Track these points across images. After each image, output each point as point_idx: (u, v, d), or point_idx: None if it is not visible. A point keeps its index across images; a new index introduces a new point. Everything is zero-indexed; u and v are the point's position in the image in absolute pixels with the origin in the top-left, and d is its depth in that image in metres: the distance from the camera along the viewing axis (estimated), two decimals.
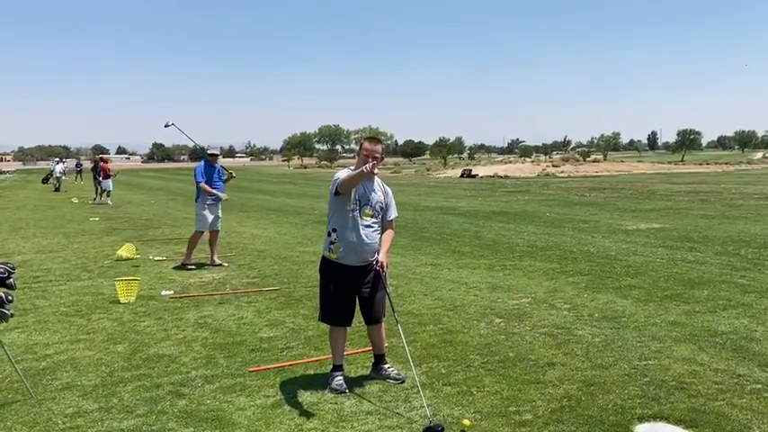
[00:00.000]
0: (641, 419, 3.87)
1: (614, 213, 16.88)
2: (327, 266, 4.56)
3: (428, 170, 61.43)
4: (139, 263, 9.84)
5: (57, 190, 33.08)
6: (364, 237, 4.42)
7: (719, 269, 8.56)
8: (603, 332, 5.70)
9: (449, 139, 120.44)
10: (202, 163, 9.55)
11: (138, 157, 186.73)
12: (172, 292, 7.68)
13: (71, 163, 57.26)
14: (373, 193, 4.52)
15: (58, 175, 34.69)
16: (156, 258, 10.17)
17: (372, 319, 4.60)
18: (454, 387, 4.45)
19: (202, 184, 9.34)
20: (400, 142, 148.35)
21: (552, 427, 3.77)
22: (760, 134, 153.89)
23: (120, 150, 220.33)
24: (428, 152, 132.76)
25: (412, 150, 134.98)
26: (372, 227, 4.51)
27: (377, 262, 4.45)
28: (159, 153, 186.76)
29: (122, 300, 7.09)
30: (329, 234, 4.50)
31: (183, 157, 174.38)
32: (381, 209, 4.56)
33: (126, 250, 10.37)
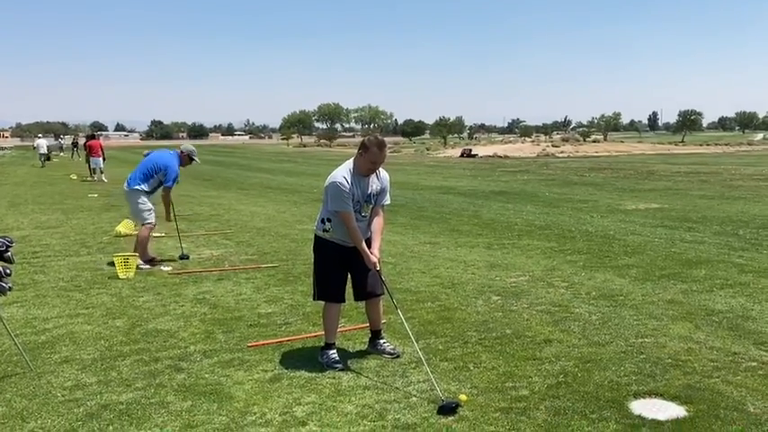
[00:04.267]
0: (637, 396, 3.89)
1: (613, 193, 16.87)
2: (321, 243, 4.54)
3: (428, 150, 61.28)
4: None
5: (42, 166, 33.16)
6: (360, 227, 4.41)
7: (717, 249, 8.58)
8: (600, 310, 5.72)
9: (449, 119, 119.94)
10: (177, 162, 7.94)
11: (137, 135, 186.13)
12: (170, 267, 7.69)
13: (68, 140, 57.02)
14: (372, 188, 4.45)
15: (43, 151, 34.71)
16: (154, 235, 10.15)
17: (367, 294, 4.58)
18: (451, 363, 4.47)
19: (170, 188, 7.92)
20: (400, 121, 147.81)
21: (548, 403, 3.79)
22: (761, 115, 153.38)
23: (119, 127, 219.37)
24: (428, 132, 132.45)
25: (412, 130, 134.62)
26: (367, 217, 4.51)
27: (372, 263, 4.37)
28: (158, 130, 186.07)
29: (121, 275, 7.11)
30: (323, 221, 4.45)
31: (182, 135, 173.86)
32: (377, 196, 4.52)
33: (124, 226, 10.37)
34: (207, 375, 4.29)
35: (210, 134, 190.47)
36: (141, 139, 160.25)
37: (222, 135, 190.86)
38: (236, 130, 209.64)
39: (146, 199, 7.78)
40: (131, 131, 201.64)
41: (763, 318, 5.43)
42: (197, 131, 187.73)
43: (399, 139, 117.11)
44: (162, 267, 7.69)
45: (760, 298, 6.07)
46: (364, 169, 4.38)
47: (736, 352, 4.62)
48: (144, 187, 7.74)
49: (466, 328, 5.23)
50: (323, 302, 4.59)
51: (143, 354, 4.72)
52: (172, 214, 8.27)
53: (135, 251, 7.67)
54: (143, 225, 7.85)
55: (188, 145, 8.27)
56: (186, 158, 8.07)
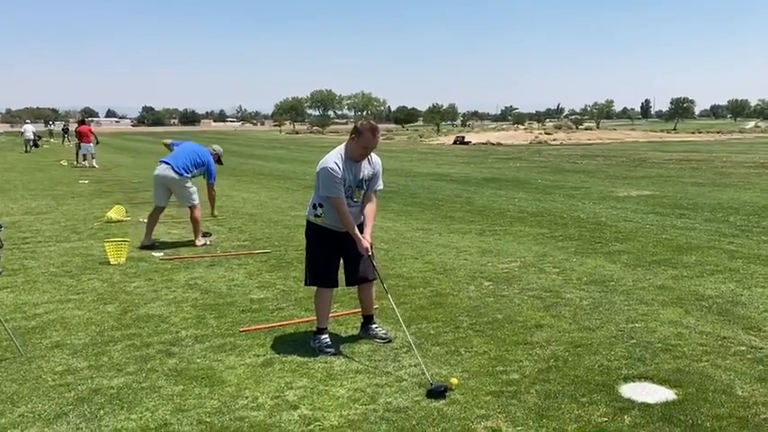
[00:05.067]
0: (627, 379, 3.92)
1: (605, 180, 16.91)
2: (313, 229, 4.52)
3: (421, 137, 61.17)
4: (129, 225, 9.81)
5: (27, 151, 32.98)
6: (352, 212, 4.40)
7: (708, 235, 8.62)
8: (591, 295, 5.75)
9: (442, 106, 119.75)
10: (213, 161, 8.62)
11: (128, 121, 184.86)
12: (162, 253, 7.67)
13: (58, 126, 56.66)
14: (364, 173, 4.41)
15: (29, 136, 34.46)
16: (145, 220, 10.10)
17: (359, 279, 4.58)
18: (443, 347, 4.49)
19: (213, 184, 8.85)
20: (393, 108, 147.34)
21: (539, 387, 3.81)
22: (753, 103, 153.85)
23: (110, 113, 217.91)
24: (421, 119, 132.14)
25: (405, 117, 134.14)
26: (359, 202, 4.48)
27: (364, 248, 4.36)
28: (149, 117, 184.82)
29: (112, 261, 7.08)
30: (315, 207, 4.43)
31: (173, 121, 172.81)
32: (369, 181, 4.48)
33: (116, 212, 10.32)
34: (198, 360, 4.29)
35: (202, 120, 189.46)
36: (132, 126, 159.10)
37: (214, 121, 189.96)
38: (228, 117, 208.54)
39: (191, 183, 8.32)
40: (122, 118, 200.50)
41: (753, 303, 5.47)
42: (189, 118, 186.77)
43: (392, 126, 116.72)
44: (153, 253, 7.67)
45: (749, 283, 6.11)
46: (356, 154, 4.35)
47: (725, 336, 4.65)
48: (189, 176, 8.28)
49: (458, 313, 5.25)
50: (315, 288, 4.59)
51: (134, 339, 4.71)
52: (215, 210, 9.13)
53: (196, 234, 8.31)
54: (195, 206, 8.27)
55: (218, 146, 8.94)
56: (217, 158, 8.72)
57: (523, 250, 7.77)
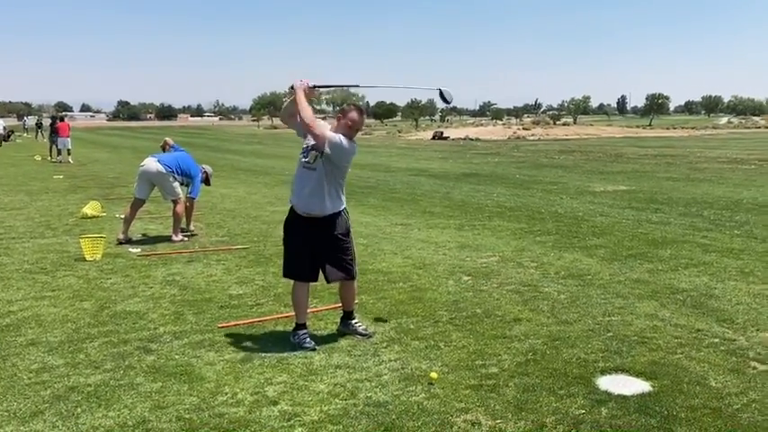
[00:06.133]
0: (603, 372, 3.97)
1: (582, 175, 17.09)
2: (288, 220, 4.60)
3: (399, 132, 61.20)
4: (105, 221, 9.69)
5: None
6: (302, 177, 4.45)
7: (683, 230, 8.76)
8: (569, 289, 5.81)
9: (420, 102, 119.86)
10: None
11: (104, 115, 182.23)
12: (139, 249, 7.59)
13: (31, 120, 55.71)
14: (327, 150, 4.36)
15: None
16: (122, 216, 9.99)
17: (335, 277, 4.57)
18: (422, 341, 4.51)
19: (195, 199, 8.67)
20: (372, 104, 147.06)
21: (517, 380, 3.85)
22: (726, 99, 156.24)
23: (85, 108, 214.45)
24: (400, 114, 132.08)
25: (383, 112, 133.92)
26: (311, 166, 4.43)
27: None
28: (125, 111, 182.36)
29: (88, 257, 6.99)
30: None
31: (149, 116, 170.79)
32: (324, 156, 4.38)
33: (91, 208, 10.18)
34: (177, 356, 4.26)
35: (180, 115, 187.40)
36: (108, 120, 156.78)
37: (191, 116, 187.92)
38: (205, 112, 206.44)
39: (174, 179, 8.26)
40: (97, 112, 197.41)
41: (726, 296, 5.58)
42: (165, 112, 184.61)
43: (371, 121, 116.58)
44: (130, 249, 7.58)
45: (722, 277, 6.23)
46: (347, 134, 4.43)
47: (699, 329, 4.74)
48: (176, 177, 8.26)
49: (437, 308, 5.27)
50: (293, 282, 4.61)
51: (111, 336, 4.66)
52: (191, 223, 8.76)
53: (176, 227, 8.23)
54: (178, 200, 8.22)
55: (209, 168, 8.98)
56: (205, 177, 8.78)
57: (502, 245, 7.83)
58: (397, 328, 4.79)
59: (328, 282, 4.65)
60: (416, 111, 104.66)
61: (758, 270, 6.46)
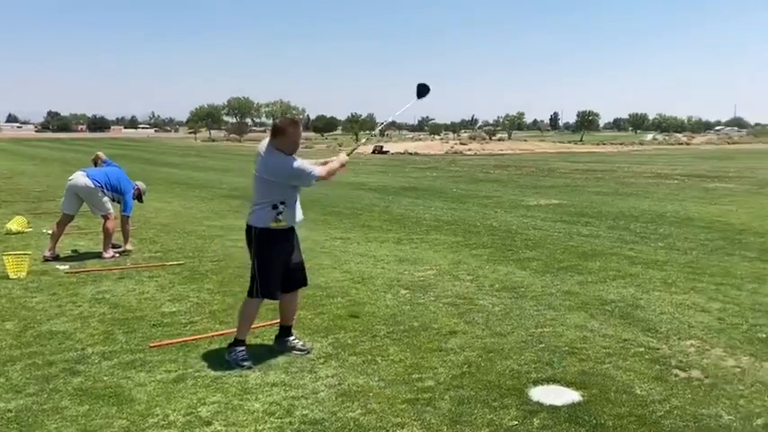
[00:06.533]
0: (536, 383, 4.08)
1: (516, 190, 17.52)
2: (272, 237, 4.40)
3: (340, 146, 61.22)
4: (32, 237, 9.29)
5: None
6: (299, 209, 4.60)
7: (611, 242, 9.10)
8: (503, 302, 5.94)
9: (360, 116, 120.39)
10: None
11: (32, 126, 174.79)
12: (68, 266, 7.31)
13: None
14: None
15: None
16: (49, 232, 9.59)
17: (301, 281, 4.66)
18: (359, 356, 4.51)
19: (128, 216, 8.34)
20: (312, 117, 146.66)
21: (452, 393, 3.90)
22: (651, 117, 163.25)
23: (11, 118, 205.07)
24: (340, 128, 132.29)
25: (324, 125, 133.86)
26: (295, 192, 4.65)
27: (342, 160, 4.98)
28: (55, 122, 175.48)
29: (12, 275, 6.68)
30: (275, 207, 4.33)
31: (81, 128, 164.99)
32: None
33: (16, 223, 9.74)
34: (106, 378, 4.12)
35: (113, 127, 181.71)
36: (36, 131, 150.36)
37: (125, 128, 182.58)
38: (140, 123, 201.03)
39: (103, 194, 8.03)
40: (25, 123, 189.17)
41: (650, 306, 5.82)
42: (98, 124, 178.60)
43: (311, 134, 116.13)
44: (58, 266, 7.29)
45: (648, 288, 6.50)
46: (290, 150, 4.41)
47: (626, 339, 4.93)
48: (106, 193, 8.03)
49: (375, 322, 5.29)
50: (245, 299, 4.54)
51: (35, 357, 4.47)
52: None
53: (107, 243, 7.97)
54: (109, 215, 7.99)
55: (143, 185, 8.70)
56: (138, 194, 8.48)
57: (439, 258, 7.93)
58: (334, 343, 4.78)
59: (287, 292, 4.58)
60: (356, 125, 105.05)
61: (680, 281, 6.78)
